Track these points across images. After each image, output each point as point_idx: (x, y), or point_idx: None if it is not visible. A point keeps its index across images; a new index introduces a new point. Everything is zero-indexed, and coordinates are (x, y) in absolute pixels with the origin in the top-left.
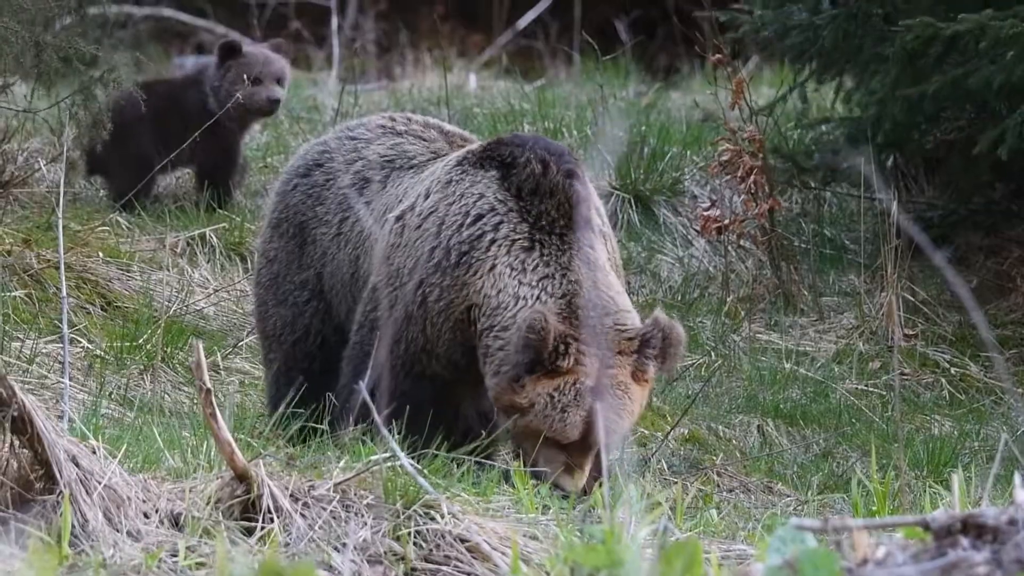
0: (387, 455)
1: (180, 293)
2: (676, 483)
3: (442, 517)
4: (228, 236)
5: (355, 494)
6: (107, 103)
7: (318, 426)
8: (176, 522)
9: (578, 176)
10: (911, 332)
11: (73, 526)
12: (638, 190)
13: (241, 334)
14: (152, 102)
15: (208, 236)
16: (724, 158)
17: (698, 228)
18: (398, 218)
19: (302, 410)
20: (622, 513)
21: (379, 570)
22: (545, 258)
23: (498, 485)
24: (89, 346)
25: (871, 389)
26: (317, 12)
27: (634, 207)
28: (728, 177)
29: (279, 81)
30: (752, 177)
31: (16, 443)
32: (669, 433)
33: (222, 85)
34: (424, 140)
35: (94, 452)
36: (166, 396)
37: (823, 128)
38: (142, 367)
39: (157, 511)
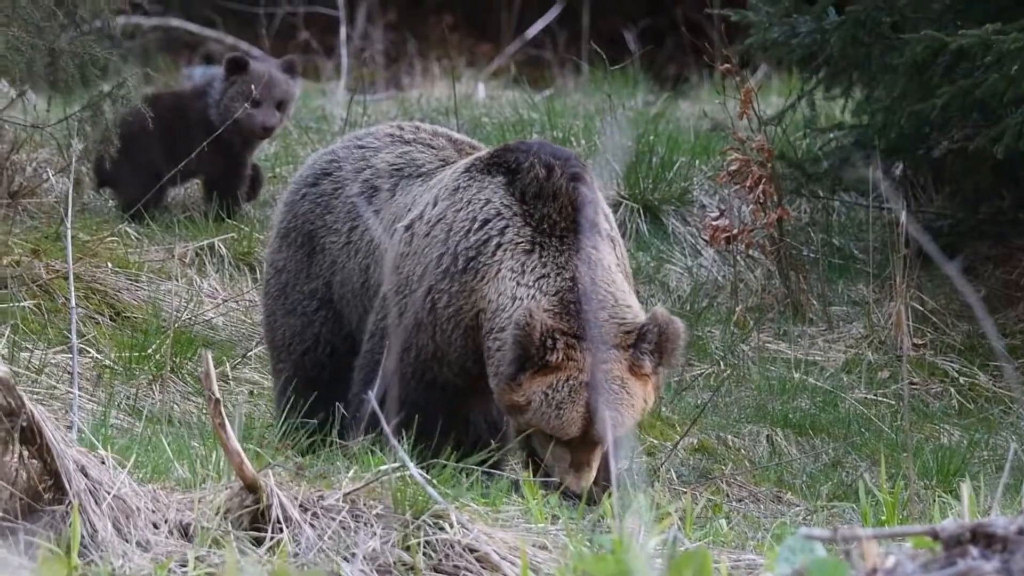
0: (396, 465)
1: (189, 303)
2: (685, 493)
3: (451, 527)
4: (237, 246)
5: (364, 504)
6: (115, 119)
7: (327, 436)
8: (185, 532)
9: (584, 180)
10: (920, 341)
11: (82, 537)
12: (647, 200)
13: (250, 344)
14: (159, 113)
15: (217, 246)
16: (733, 168)
17: (707, 238)
18: (407, 227)
19: (311, 420)
20: (631, 523)
21: None
22: (543, 259)
23: (507, 495)
24: (98, 356)
25: (880, 398)
26: (326, 22)
27: (643, 217)
28: (737, 187)
29: (280, 104)
30: (761, 187)
31: (25, 453)
32: (678, 443)
33: (223, 100)
34: (433, 148)
35: (103, 462)
36: (175, 406)
37: (831, 135)
38: (151, 377)
39: (166, 521)
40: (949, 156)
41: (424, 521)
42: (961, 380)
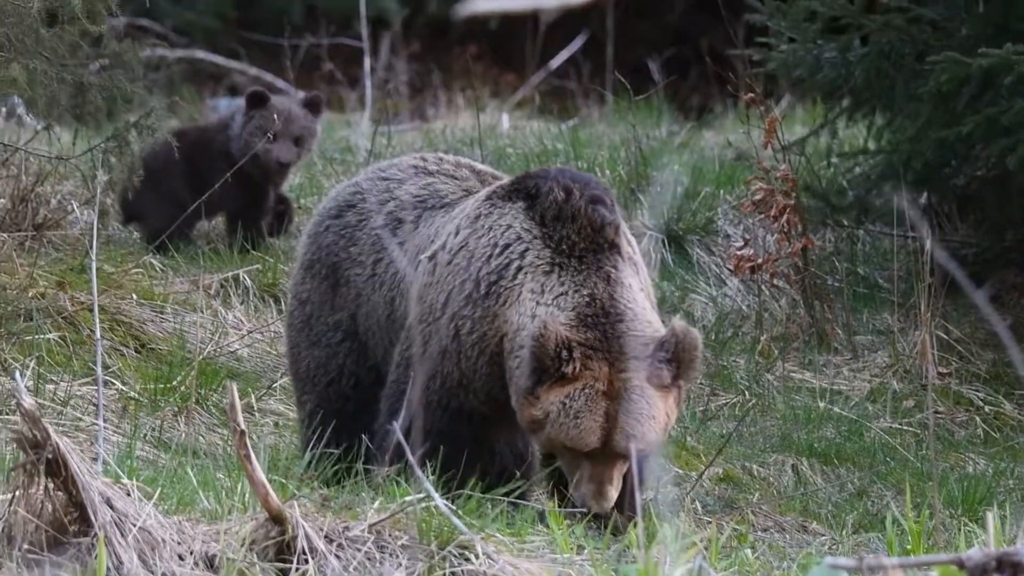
0: (422, 496)
1: (214, 335)
2: (711, 522)
3: (477, 558)
4: (261, 277)
5: (390, 535)
6: (140, 150)
7: (352, 467)
8: (211, 564)
9: (604, 203)
10: (945, 370)
11: (108, 569)
12: (671, 229)
13: (275, 375)
14: (184, 148)
15: (241, 278)
16: (757, 197)
17: (731, 267)
18: (430, 257)
19: (336, 451)
20: (657, 553)
21: None
22: (562, 278)
23: (533, 525)
24: (123, 388)
25: (905, 427)
26: (350, 53)
27: (667, 247)
28: (761, 216)
29: (299, 140)
30: (785, 216)
31: (51, 485)
32: (704, 472)
33: (242, 134)
34: (456, 179)
35: (128, 494)
36: (200, 438)
37: (856, 161)
38: (176, 409)
39: (192, 553)
40: (974, 184)
41: (450, 552)
42: (986, 409)
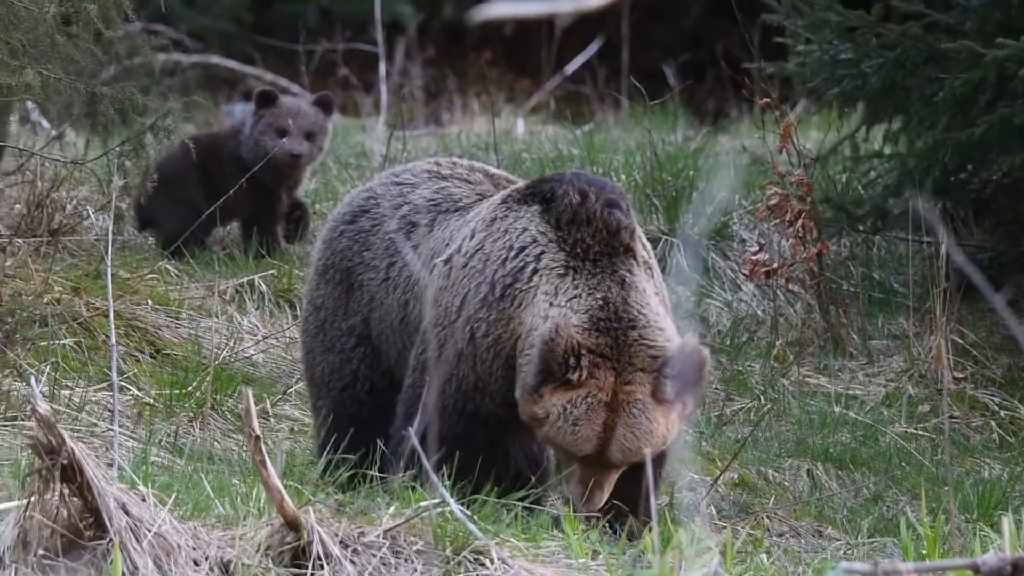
0: (437, 501)
1: (229, 340)
2: (726, 527)
3: (492, 563)
4: (277, 283)
5: (405, 540)
6: (156, 154)
7: (367, 472)
8: (226, 570)
9: (620, 207)
10: (960, 375)
11: (123, 574)
12: (686, 234)
13: (290, 381)
14: (198, 154)
15: (257, 283)
16: (772, 202)
17: (746, 272)
18: (446, 261)
19: (351, 456)
20: (672, 558)
21: None
22: (576, 281)
23: (548, 530)
24: (138, 394)
25: (921, 432)
26: (365, 58)
27: (682, 251)
28: (776, 221)
29: (310, 135)
30: (800, 221)
31: (66, 491)
32: (719, 477)
33: (252, 134)
34: (470, 183)
35: (144, 500)
36: (215, 443)
37: (871, 165)
38: (191, 414)
39: (207, 559)
40: (990, 189)
41: (465, 557)
42: (1002, 413)
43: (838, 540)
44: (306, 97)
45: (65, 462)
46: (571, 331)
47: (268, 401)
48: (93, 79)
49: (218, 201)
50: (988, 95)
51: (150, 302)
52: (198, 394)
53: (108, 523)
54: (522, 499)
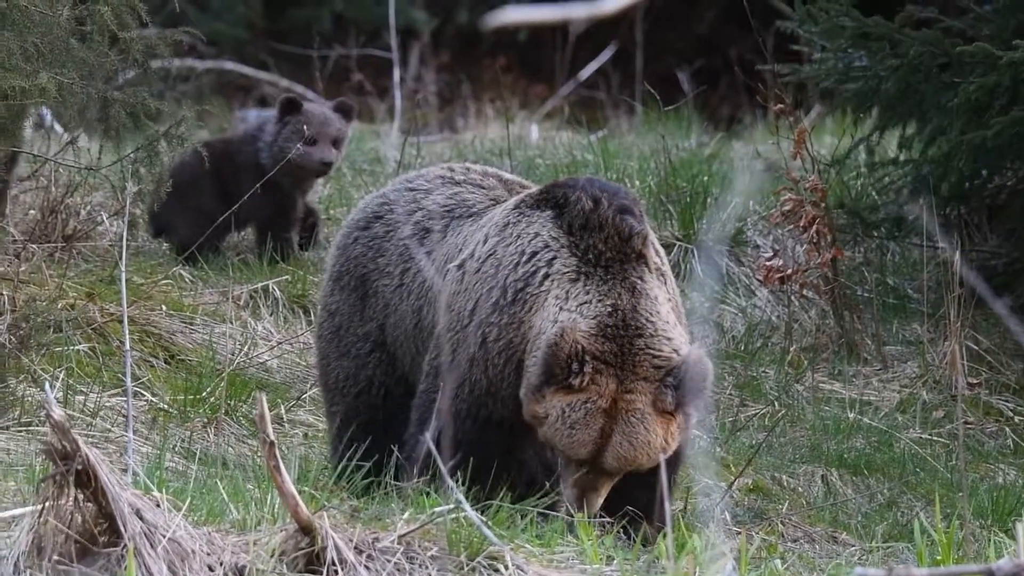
0: (451, 506)
1: (243, 346)
2: (740, 533)
3: (506, 568)
4: (291, 289)
5: (419, 546)
6: (170, 160)
7: (382, 478)
8: (241, 575)
9: (633, 213)
10: (975, 381)
11: None
12: (701, 240)
13: (304, 386)
14: (212, 160)
15: (271, 289)
16: (786, 208)
17: (761, 278)
18: (459, 266)
19: (366, 462)
20: (687, 563)
21: None
22: (587, 287)
23: (562, 536)
24: (153, 399)
25: (935, 438)
26: (379, 64)
27: (697, 257)
28: (790, 227)
29: (336, 143)
30: (814, 227)
31: (80, 496)
32: (733, 483)
33: (276, 141)
34: (483, 188)
35: (158, 505)
36: (230, 449)
37: (886, 171)
38: (206, 420)
39: (221, 564)
40: (1005, 194)
41: (479, 563)
42: (1016, 419)
43: (852, 546)
44: (325, 103)
45: (79, 468)
46: (577, 336)
47: (282, 406)
48: (108, 83)
49: (233, 207)
50: (1003, 99)
51: (164, 308)
52: (212, 400)
53: (122, 529)
54: (536, 504)
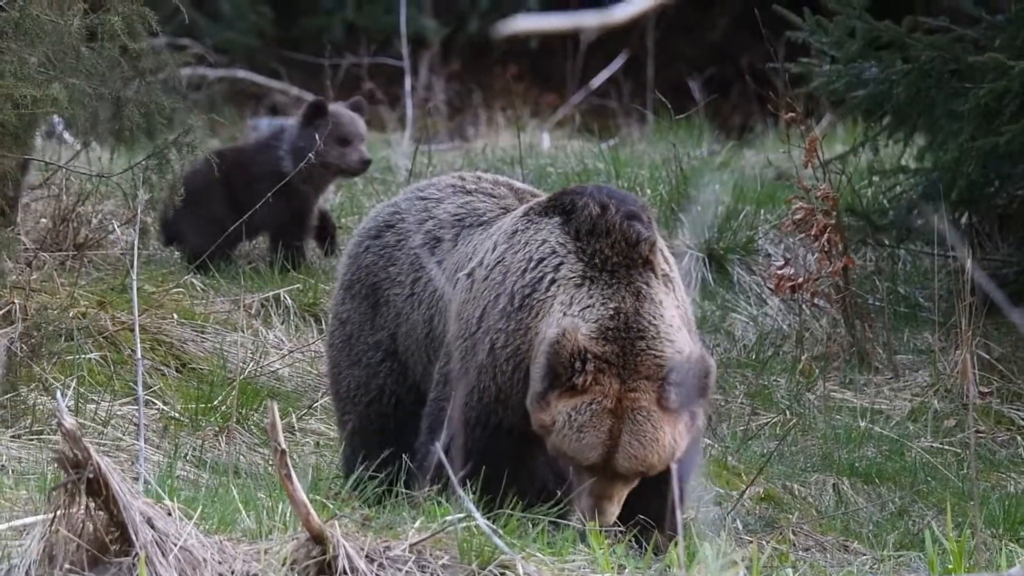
0: (462, 515)
1: (254, 354)
2: (752, 542)
3: None
4: (302, 297)
5: (431, 554)
6: (181, 169)
7: (393, 486)
8: None
9: (640, 219)
10: (986, 389)
11: None
12: (712, 249)
13: (316, 395)
14: (224, 169)
15: (282, 297)
16: (798, 216)
17: (772, 286)
18: (468, 275)
19: (377, 471)
20: (698, 572)
21: None
22: (591, 292)
23: (574, 544)
24: (164, 408)
25: (946, 447)
26: (390, 73)
27: (708, 266)
28: (802, 235)
29: (363, 141)
30: (826, 235)
31: (92, 505)
32: (744, 492)
33: (307, 145)
34: (494, 197)
35: (169, 514)
36: (241, 457)
37: (897, 178)
38: (217, 428)
39: (233, 573)
40: (1015, 203)
41: (491, 571)
42: None
43: (864, 555)
44: (340, 104)
45: (91, 476)
46: (577, 336)
47: (294, 415)
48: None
49: (247, 214)
50: (1013, 106)
51: (176, 316)
52: (223, 408)
53: (134, 537)
54: (547, 513)
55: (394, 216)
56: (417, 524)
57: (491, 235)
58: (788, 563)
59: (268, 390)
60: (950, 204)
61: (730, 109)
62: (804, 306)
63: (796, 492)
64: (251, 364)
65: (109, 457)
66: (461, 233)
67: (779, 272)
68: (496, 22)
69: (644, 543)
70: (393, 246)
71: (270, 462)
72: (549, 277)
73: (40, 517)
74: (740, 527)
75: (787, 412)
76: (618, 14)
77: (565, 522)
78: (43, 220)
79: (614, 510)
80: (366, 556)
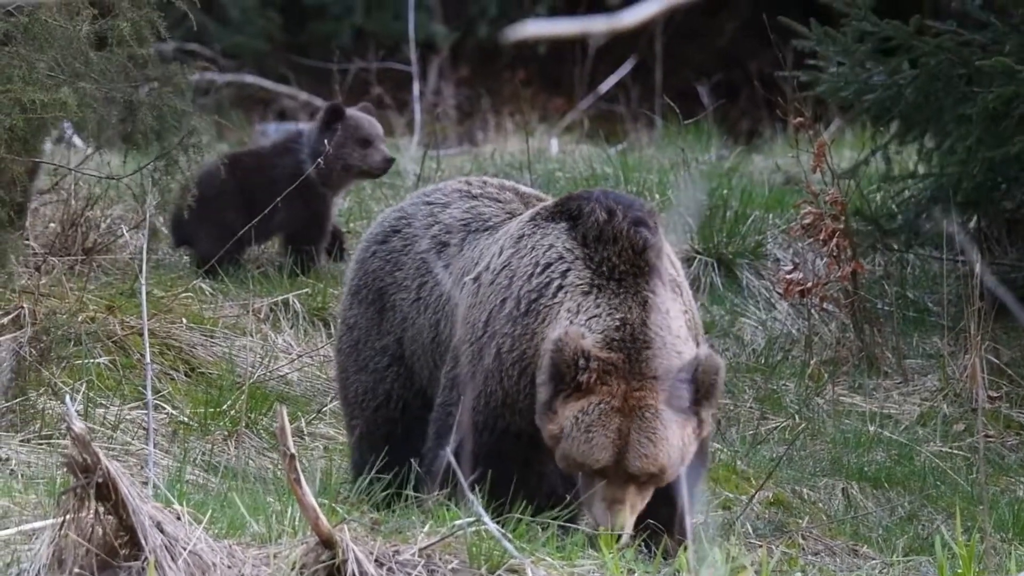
0: (471, 519)
1: (263, 359)
2: (761, 546)
3: None
4: (311, 301)
5: (440, 559)
6: (191, 171)
7: (402, 491)
8: None
9: (647, 225)
10: (995, 394)
11: None
12: (721, 253)
13: (325, 399)
14: (239, 173)
15: (291, 302)
16: (806, 221)
17: (781, 291)
18: (475, 279)
19: (385, 475)
20: None
21: None
22: (598, 300)
23: (583, 549)
24: (173, 412)
25: (955, 451)
26: (399, 78)
27: (717, 270)
28: (810, 240)
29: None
30: (834, 240)
31: (101, 509)
32: (754, 496)
33: (324, 149)
34: (500, 202)
35: (179, 518)
36: (250, 462)
37: (907, 183)
38: (226, 433)
39: None
40: (1023, 208)
41: (500, 575)
42: None
43: (873, 559)
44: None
45: (100, 480)
46: (579, 337)
47: (303, 419)
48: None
49: (261, 215)
50: (1021, 110)
51: (184, 320)
52: (232, 412)
53: (143, 541)
54: (556, 517)
55: (401, 221)
56: (426, 528)
57: (497, 240)
58: (797, 568)
59: (277, 394)
60: (958, 207)
61: (739, 114)
62: (813, 310)
63: (805, 496)
64: (260, 368)
65: (118, 461)
66: (467, 238)
67: (788, 276)
68: (505, 27)
69: (653, 548)
70: (400, 251)
71: (279, 466)
72: (556, 283)
73: (49, 521)
74: (749, 531)
75: (796, 416)
76: (626, 19)
77: (574, 526)
78: (52, 224)
79: (628, 515)
80: (375, 560)
